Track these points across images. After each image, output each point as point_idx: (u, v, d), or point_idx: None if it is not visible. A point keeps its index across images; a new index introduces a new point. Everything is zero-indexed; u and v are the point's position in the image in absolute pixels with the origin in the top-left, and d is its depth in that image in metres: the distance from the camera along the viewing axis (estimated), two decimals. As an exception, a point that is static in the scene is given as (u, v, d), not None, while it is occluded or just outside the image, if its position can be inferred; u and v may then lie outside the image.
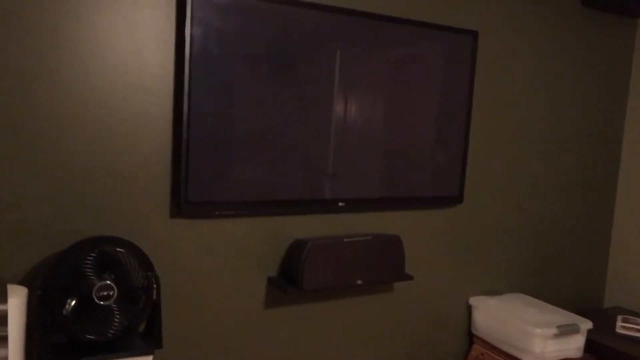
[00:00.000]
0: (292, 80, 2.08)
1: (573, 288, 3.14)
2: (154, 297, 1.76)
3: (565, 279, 3.09)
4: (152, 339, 1.81)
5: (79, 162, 1.80)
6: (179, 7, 1.89)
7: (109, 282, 1.65)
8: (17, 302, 1.57)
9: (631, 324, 2.77)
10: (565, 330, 2.42)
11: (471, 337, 2.79)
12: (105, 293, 1.65)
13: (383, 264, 2.27)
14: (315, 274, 2.12)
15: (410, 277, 2.35)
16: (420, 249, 2.56)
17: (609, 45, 3.03)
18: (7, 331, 1.55)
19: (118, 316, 1.69)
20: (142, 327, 1.92)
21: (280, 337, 2.26)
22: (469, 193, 2.66)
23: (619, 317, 2.81)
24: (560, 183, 2.98)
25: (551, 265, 3.02)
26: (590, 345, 2.64)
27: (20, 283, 1.75)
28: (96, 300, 1.64)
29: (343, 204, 2.24)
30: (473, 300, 2.71)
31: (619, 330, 2.74)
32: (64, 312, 1.62)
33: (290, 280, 2.16)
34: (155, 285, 1.76)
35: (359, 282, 2.22)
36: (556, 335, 2.42)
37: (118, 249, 1.69)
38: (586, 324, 2.50)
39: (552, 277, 3.04)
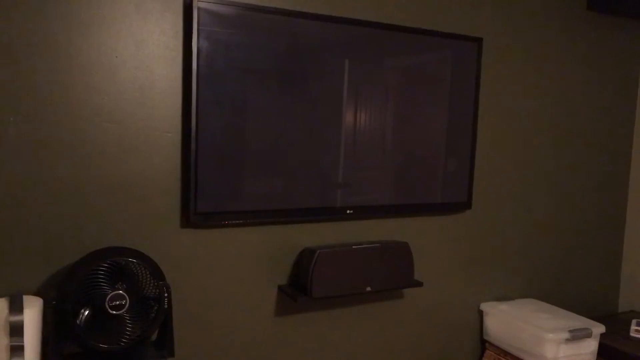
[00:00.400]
0: (300, 90, 2.12)
1: (586, 293, 3.12)
2: (166, 306, 1.79)
3: (578, 283, 3.08)
4: (165, 348, 1.84)
5: (91, 176, 1.85)
6: (185, 21, 1.94)
7: (121, 291, 1.69)
8: (32, 313, 1.62)
9: (646, 327, 2.75)
10: (578, 335, 2.41)
11: (483, 343, 2.79)
12: (117, 303, 1.68)
13: (392, 271, 2.29)
14: (325, 281, 2.14)
15: (420, 284, 2.36)
16: (429, 256, 2.57)
17: (616, 48, 3.03)
18: (23, 341, 1.59)
19: (130, 325, 1.73)
20: (154, 336, 1.95)
21: (291, 345, 2.28)
22: (478, 199, 2.66)
23: (634, 321, 2.79)
24: (570, 187, 2.97)
25: (563, 269, 3.01)
26: (604, 350, 2.62)
27: (35, 294, 1.80)
28: (109, 310, 1.67)
29: (351, 211, 2.26)
30: (484, 306, 2.71)
31: (633, 334, 2.72)
32: (78, 322, 1.66)
33: (300, 288, 2.18)
34: (166, 295, 1.79)
35: (368, 289, 2.23)
36: (568, 340, 2.40)
37: (130, 260, 1.73)
38: (599, 328, 2.48)
39: (565, 281, 3.02)
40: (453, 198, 2.51)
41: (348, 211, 2.26)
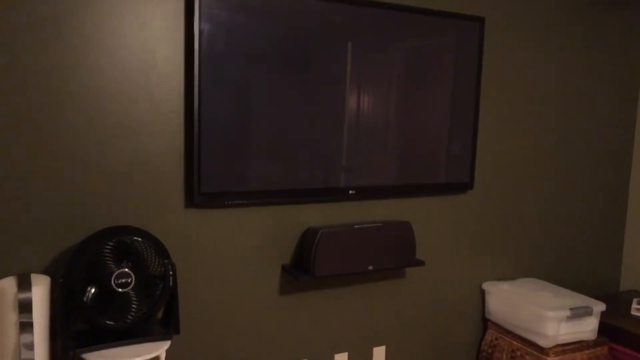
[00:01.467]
0: (303, 72, 2.12)
1: (588, 272, 3.13)
2: (171, 284, 1.83)
3: (580, 263, 3.09)
4: (170, 325, 1.88)
5: (96, 157, 1.87)
6: (187, 3, 1.94)
7: (126, 270, 1.72)
8: (41, 290, 1.65)
9: (647, 306, 2.77)
10: (578, 313, 2.44)
11: (485, 322, 2.82)
12: (123, 280, 1.72)
13: (394, 250, 2.31)
14: (327, 260, 2.17)
15: (422, 263, 2.38)
16: (432, 236, 2.59)
17: (618, 29, 3.01)
18: (32, 318, 1.62)
19: (136, 303, 1.76)
20: (160, 314, 1.99)
21: (294, 323, 2.31)
22: (480, 179, 2.68)
23: (635, 300, 2.81)
24: (572, 167, 2.98)
25: (565, 249, 3.03)
26: (605, 328, 2.64)
27: (43, 272, 1.83)
28: (115, 287, 1.71)
29: (354, 192, 2.28)
30: (486, 286, 2.73)
31: (634, 312, 2.74)
32: (85, 299, 1.69)
33: (303, 267, 2.21)
34: (171, 273, 1.82)
35: (370, 267, 2.26)
36: (569, 318, 2.43)
37: (135, 238, 1.76)
38: (599, 306, 2.50)
39: (567, 261, 3.04)
40: (455, 178, 2.53)
41: (350, 191, 2.28)
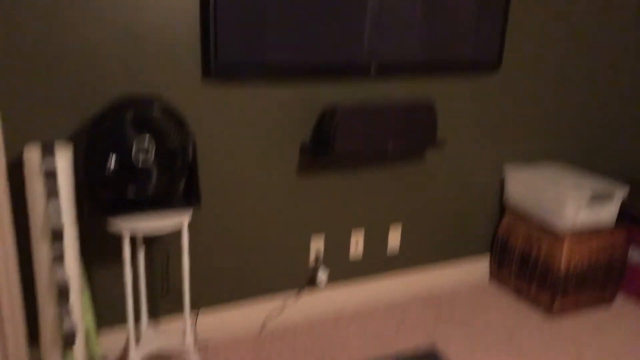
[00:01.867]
0: None
1: (615, 158, 3.08)
2: (190, 157, 1.84)
3: (607, 149, 3.03)
4: (191, 197, 1.92)
5: (113, 24, 1.82)
6: None
7: (147, 140, 1.73)
8: (64, 158, 1.68)
9: (670, 194, 2.74)
10: (599, 195, 2.41)
11: (504, 206, 2.83)
12: (143, 151, 1.73)
13: (415, 131, 2.27)
14: (346, 138, 2.15)
15: (443, 144, 2.35)
16: (455, 118, 2.53)
17: None
18: (57, 185, 1.67)
19: (157, 175, 1.79)
20: (181, 188, 2.03)
21: (312, 200, 2.35)
22: (509, 58, 2.56)
23: (658, 188, 2.77)
24: (606, 48, 2.82)
25: (593, 135, 2.95)
26: (625, 216, 2.63)
27: (67, 140, 1.86)
28: (134, 158, 1.72)
29: (375, 67, 2.20)
30: (508, 169, 2.71)
31: (656, 199, 2.72)
32: (107, 166, 1.72)
33: (322, 145, 2.20)
34: (191, 146, 1.83)
35: (390, 146, 2.23)
36: (589, 201, 2.41)
37: (154, 109, 1.75)
38: (621, 191, 2.47)
39: (593, 147, 2.98)
40: (483, 56, 2.41)
41: (372, 67, 2.20)
